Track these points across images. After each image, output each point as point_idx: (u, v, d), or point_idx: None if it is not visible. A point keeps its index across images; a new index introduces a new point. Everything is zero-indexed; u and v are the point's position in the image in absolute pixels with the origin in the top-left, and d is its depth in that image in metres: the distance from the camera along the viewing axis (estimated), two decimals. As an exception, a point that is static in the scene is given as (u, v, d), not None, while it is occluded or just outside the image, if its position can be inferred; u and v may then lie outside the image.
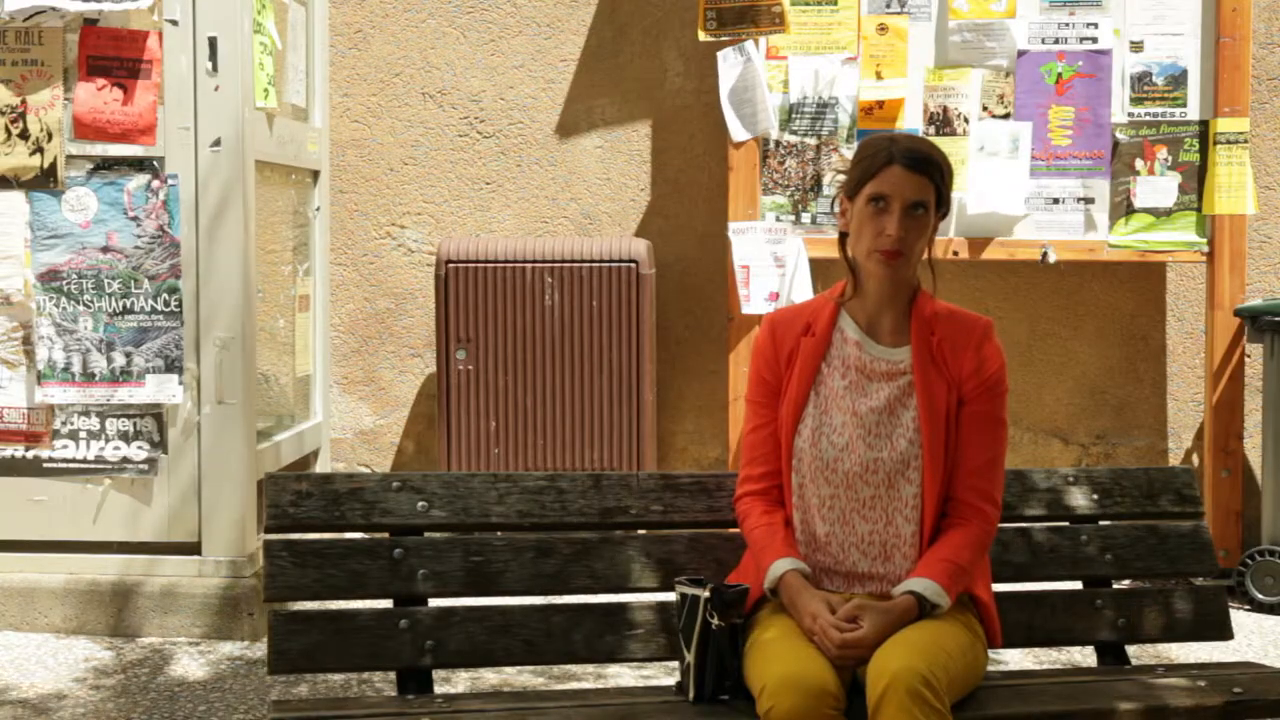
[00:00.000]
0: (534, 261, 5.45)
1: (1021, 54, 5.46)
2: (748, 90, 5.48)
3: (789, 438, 3.01)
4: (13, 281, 4.77)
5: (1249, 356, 5.60)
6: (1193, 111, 5.45)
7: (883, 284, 3.00)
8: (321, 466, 5.81)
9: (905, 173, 2.93)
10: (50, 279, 4.76)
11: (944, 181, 2.99)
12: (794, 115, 5.51)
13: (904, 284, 3.02)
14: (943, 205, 3.00)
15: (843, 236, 3.06)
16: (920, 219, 2.95)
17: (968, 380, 2.99)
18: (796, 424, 3.00)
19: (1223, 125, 5.39)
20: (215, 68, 4.69)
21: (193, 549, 4.80)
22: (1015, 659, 4.47)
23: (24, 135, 4.73)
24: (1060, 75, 5.46)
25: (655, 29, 5.93)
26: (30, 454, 4.81)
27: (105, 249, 4.74)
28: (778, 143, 5.52)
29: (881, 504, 2.95)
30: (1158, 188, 5.45)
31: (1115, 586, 3.34)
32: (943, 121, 5.49)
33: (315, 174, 5.73)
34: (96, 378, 4.76)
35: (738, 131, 5.51)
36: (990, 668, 3.07)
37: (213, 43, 4.68)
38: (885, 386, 2.99)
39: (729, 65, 5.48)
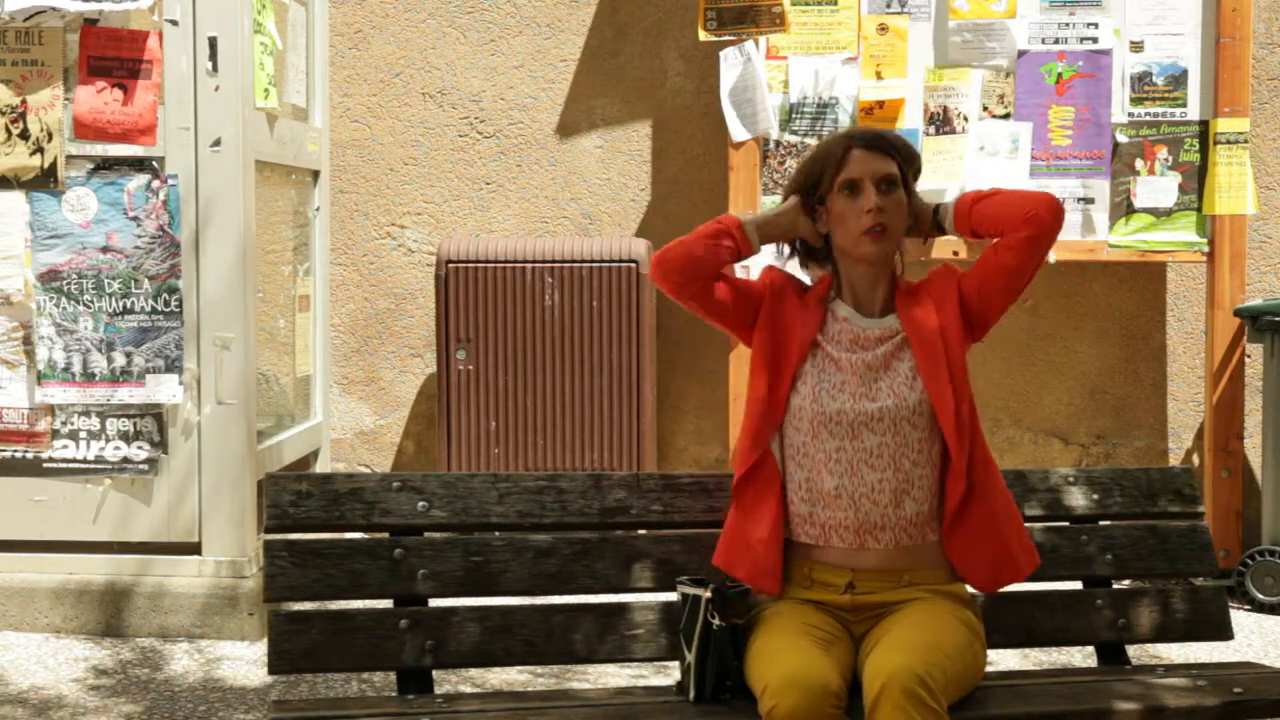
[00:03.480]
0: (534, 261, 5.45)
1: (1021, 54, 5.45)
2: (748, 90, 5.48)
3: (784, 399, 3.03)
4: (13, 281, 4.77)
5: (1249, 356, 5.60)
6: (1193, 111, 5.44)
7: (871, 267, 3.06)
8: (321, 466, 5.81)
9: (866, 153, 3.04)
10: (50, 279, 4.76)
11: (906, 162, 3.09)
12: (794, 115, 5.50)
13: (887, 267, 3.09)
14: (907, 189, 3.10)
15: (826, 239, 3.12)
16: (895, 195, 3.05)
17: (958, 297, 3.04)
18: (792, 386, 3.03)
19: (1223, 125, 5.38)
20: (215, 68, 4.69)
21: (193, 549, 4.80)
22: (1014, 659, 4.47)
23: (24, 135, 4.73)
24: (1060, 75, 5.45)
25: (655, 29, 5.93)
26: (30, 454, 4.80)
27: (105, 249, 4.74)
28: (778, 143, 5.52)
29: (889, 451, 2.97)
30: (1158, 188, 5.45)
31: (1115, 587, 3.34)
32: (943, 121, 5.48)
33: (315, 174, 5.72)
34: (96, 378, 4.76)
35: (738, 131, 5.51)
36: (988, 668, 3.08)
37: (213, 43, 4.68)
38: (880, 345, 3.04)
39: (730, 65, 5.48)
